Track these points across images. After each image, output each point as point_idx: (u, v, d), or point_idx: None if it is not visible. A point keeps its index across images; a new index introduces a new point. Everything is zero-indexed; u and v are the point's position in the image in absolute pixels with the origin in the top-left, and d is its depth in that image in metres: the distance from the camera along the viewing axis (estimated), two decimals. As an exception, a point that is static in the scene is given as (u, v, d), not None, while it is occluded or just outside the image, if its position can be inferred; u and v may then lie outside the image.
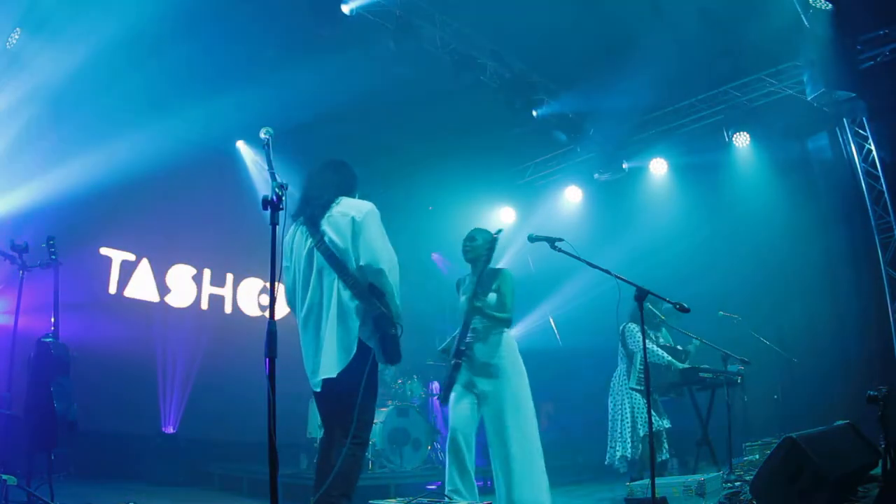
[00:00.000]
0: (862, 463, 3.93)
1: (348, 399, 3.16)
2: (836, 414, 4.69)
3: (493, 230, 4.47)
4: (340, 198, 3.38)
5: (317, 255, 3.31)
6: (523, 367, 4.37)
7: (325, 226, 3.30)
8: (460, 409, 4.26)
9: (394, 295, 3.28)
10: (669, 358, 6.12)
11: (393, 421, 7.04)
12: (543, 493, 4.14)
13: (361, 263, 3.23)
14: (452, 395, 4.30)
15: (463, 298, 4.47)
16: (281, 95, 6.87)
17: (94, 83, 6.98)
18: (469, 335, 4.29)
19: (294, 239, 3.44)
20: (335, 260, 3.25)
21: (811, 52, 6.65)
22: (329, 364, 3.16)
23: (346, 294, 3.23)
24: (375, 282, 3.23)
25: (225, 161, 8.66)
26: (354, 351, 3.18)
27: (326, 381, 3.19)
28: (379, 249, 3.24)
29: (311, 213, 3.35)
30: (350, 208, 3.32)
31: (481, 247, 4.45)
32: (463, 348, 4.26)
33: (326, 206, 3.34)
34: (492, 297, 4.34)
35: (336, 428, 3.24)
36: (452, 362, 4.26)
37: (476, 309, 4.26)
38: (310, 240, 3.34)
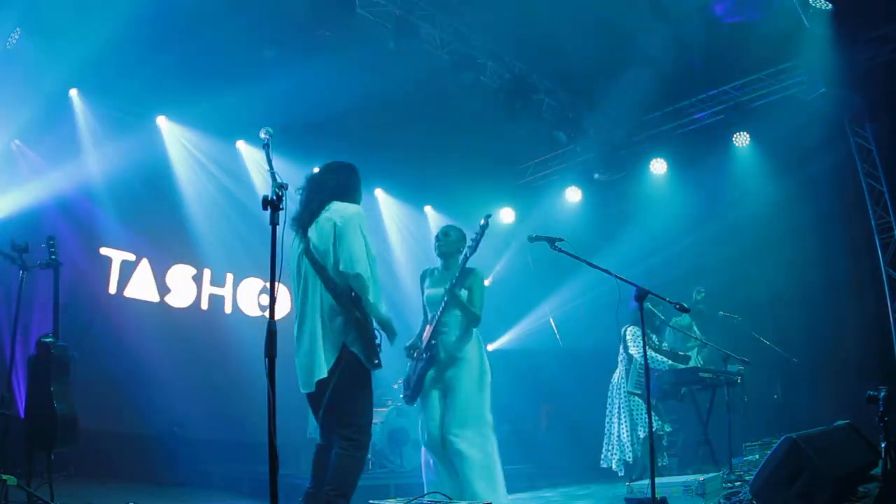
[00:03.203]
0: (862, 463, 3.93)
1: (337, 403, 3.21)
2: (836, 414, 4.69)
3: (478, 228, 4.39)
4: (332, 202, 3.40)
5: (304, 261, 3.37)
6: (488, 365, 4.36)
7: (311, 232, 3.34)
8: (431, 405, 4.25)
9: (370, 300, 3.28)
10: (670, 362, 6.14)
11: (393, 421, 7.05)
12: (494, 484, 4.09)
13: (340, 268, 3.26)
14: (424, 392, 4.28)
15: (431, 291, 4.45)
16: (281, 95, 6.87)
17: (95, 82, 6.99)
18: (441, 328, 4.29)
19: (292, 244, 3.50)
20: (318, 266, 3.30)
21: (811, 52, 6.66)
22: (315, 368, 3.21)
23: (328, 299, 3.28)
24: (354, 286, 3.26)
25: (225, 161, 8.66)
26: (338, 355, 3.22)
27: (315, 385, 3.23)
28: (356, 254, 3.24)
29: (304, 218, 3.41)
30: (335, 213, 3.35)
31: (454, 242, 4.48)
32: (434, 342, 4.25)
33: (316, 211, 3.38)
34: (463, 293, 4.32)
35: (331, 431, 3.26)
36: (425, 356, 4.25)
37: (455, 298, 4.22)
38: (300, 246, 3.39)
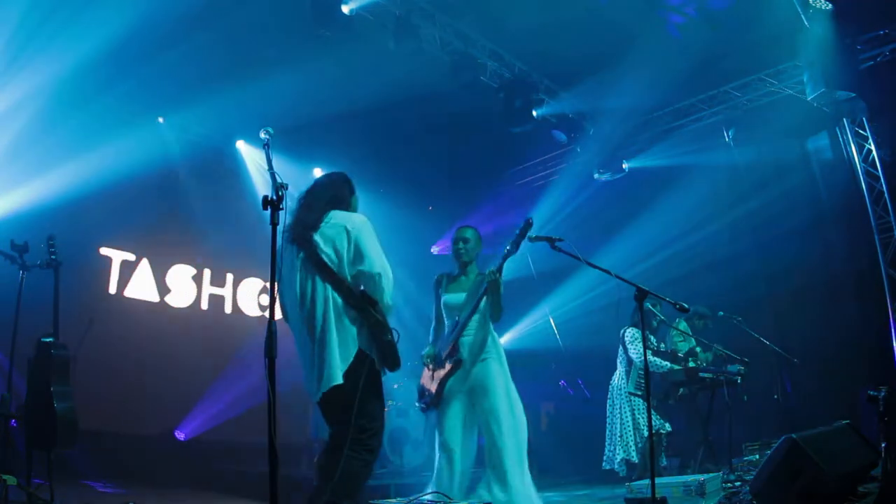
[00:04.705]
0: (862, 463, 3.93)
1: (351, 408, 3.18)
2: (836, 414, 4.69)
3: (518, 230, 4.28)
4: (331, 212, 3.38)
5: (309, 268, 3.31)
6: (506, 363, 4.34)
7: (318, 237, 3.30)
8: (453, 409, 4.23)
9: (388, 303, 3.27)
10: (669, 365, 6.15)
11: (393, 421, 7.05)
12: (530, 485, 4.12)
13: (354, 272, 3.24)
14: (446, 396, 4.23)
15: (450, 296, 4.39)
16: (281, 95, 6.88)
17: (95, 83, 6.98)
18: (464, 333, 4.25)
19: (285, 256, 3.40)
20: (328, 271, 3.26)
21: (811, 52, 6.65)
22: (330, 375, 3.16)
23: (340, 304, 3.24)
24: (368, 289, 3.23)
25: (225, 161, 8.66)
26: (352, 360, 3.19)
27: (329, 391, 3.18)
28: (372, 258, 3.23)
29: (301, 231, 3.36)
30: (343, 219, 3.33)
31: (475, 247, 4.44)
32: (458, 346, 4.20)
33: (316, 223, 3.34)
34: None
35: (344, 435, 3.24)
36: (450, 362, 4.20)
37: (496, 283, 4.13)
38: (301, 253, 3.33)
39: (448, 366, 4.22)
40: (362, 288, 3.25)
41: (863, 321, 7.24)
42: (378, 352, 3.27)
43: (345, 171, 3.67)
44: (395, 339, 3.32)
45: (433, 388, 4.27)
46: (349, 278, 3.26)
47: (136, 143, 7.51)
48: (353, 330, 3.22)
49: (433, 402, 4.26)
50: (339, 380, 3.15)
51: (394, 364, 3.31)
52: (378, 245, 3.31)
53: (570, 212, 9.65)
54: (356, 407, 3.17)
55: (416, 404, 4.53)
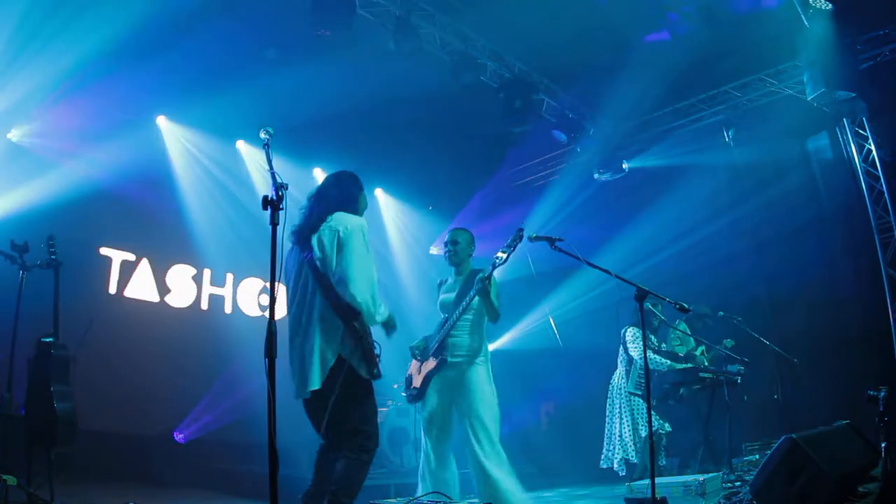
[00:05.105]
0: (862, 463, 3.93)
1: (342, 414, 3.22)
2: (836, 414, 4.69)
3: (510, 240, 4.30)
4: (334, 213, 3.39)
5: (305, 270, 3.35)
6: (490, 371, 4.37)
7: (315, 241, 3.32)
8: (436, 405, 4.27)
9: (370, 312, 3.26)
10: (669, 363, 6.15)
11: (393, 421, 7.05)
12: (516, 485, 4.14)
13: (338, 279, 3.24)
14: (429, 393, 4.30)
15: (445, 296, 4.45)
16: (281, 95, 6.88)
17: (95, 82, 6.99)
18: (453, 333, 4.28)
19: (290, 252, 3.48)
20: (319, 275, 3.28)
21: (811, 52, 6.65)
22: (310, 377, 3.20)
23: (327, 309, 3.26)
24: (349, 297, 3.22)
25: (225, 161, 8.65)
26: (334, 366, 3.21)
27: (312, 394, 3.22)
28: (356, 266, 3.22)
29: (305, 230, 3.39)
30: (338, 223, 3.33)
31: (465, 249, 4.47)
32: (445, 344, 4.25)
33: (318, 222, 3.37)
34: (476, 299, 4.29)
35: (339, 440, 3.26)
36: (437, 358, 4.26)
37: (485, 290, 4.14)
38: (300, 255, 3.38)
39: (433, 362, 4.28)
40: (346, 295, 3.23)
41: (863, 321, 7.24)
42: (359, 359, 3.26)
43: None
44: (378, 350, 3.35)
45: (418, 381, 4.36)
46: (337, 284, 3.26)
47: (136, 142, 7.51)
48: (337, 336, 3.24)
49: (418, 395, 4.35)
50: (317, 385, 3.18)
51: (371, 373, 3.31)
52: (364, 255, 3.28)
53: (570, 212, 9.67)
54: (348, 412, 3.21)
55: (402, 394, 4.59)
